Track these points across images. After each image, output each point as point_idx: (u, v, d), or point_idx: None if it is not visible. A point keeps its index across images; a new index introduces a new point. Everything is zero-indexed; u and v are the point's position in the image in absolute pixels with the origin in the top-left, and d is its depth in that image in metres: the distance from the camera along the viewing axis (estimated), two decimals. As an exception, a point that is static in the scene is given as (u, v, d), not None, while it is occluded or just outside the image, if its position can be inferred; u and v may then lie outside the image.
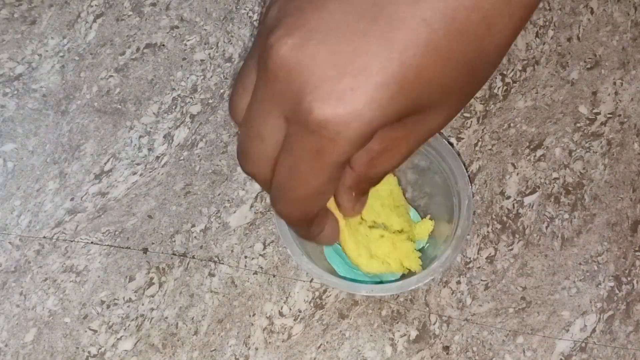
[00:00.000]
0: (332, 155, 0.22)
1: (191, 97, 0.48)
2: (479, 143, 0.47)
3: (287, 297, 0.43)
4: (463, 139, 0.47)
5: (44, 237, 0.44)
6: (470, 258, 0.44)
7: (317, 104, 0.21)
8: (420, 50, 0.21)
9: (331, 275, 0.38)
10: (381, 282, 0.41)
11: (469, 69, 0.22)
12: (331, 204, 0.33)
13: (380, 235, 0.40)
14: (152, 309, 0.42)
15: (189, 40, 0.49)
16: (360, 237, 0.40)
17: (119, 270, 0.43)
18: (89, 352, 0.41)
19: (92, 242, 0.44)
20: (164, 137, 0.47)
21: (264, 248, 0.44)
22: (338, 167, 0.23)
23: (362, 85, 0.21)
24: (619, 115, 0.48)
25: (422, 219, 0.43)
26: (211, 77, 0.48)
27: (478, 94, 0.48)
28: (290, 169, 0.24)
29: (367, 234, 0.40)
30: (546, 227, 0.45)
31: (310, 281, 0.43)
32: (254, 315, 0.42)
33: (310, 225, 0.28)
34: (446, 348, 0.41)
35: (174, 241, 0.44)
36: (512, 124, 0.47)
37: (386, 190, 0.41)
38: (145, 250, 0.44)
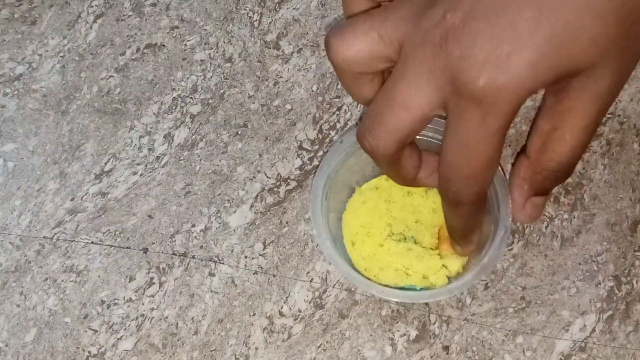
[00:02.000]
0: (497, 119, 0.23)
1: (191, 97, 0.48)
2: (479, 143, 0.47)
3: (287, 297, 0.43)
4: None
5: (44, 237, 0.44)
6: (470, 258, 0.44)
7: (479, 73, 0.22)
8: (569, 8, 0.22)
9: (385, 288, 0.38)
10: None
11: (622, 24, 0.22)
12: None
13: (407, 249, 0.40)
14: (152, 309, 0.42)
15: (189, 40, 0.50)
16: (370, 252, 0.40)
17: (119, 270, 0.43)
18: (89, 352, 0.41)
19: (92, 242, 0.44)
20: (164, 137, 0.47)
21: (264, 248, 0.44)
22: (504, 133, 0.24)
23: (516, 50, 0.22)
24: (619, 116, 0.48)
25: None
26: (211, 77, 0.48)
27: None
28: (460, 143, 0.24)
29: (390, 248, 0.40)
30: (546, 227, 0.45)
31: (310, 281, 0.43)
32: (254, 315, 0.42)
33: (483, 207, 0.28)
34: (446, 348, 0.41)
35: (174, 241, 0.44)
36: (512, 124, 0.47)
37: (427, 207, 0.41)
38: (145, 250, 0.44)
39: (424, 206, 0.41)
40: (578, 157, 0.27)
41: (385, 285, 0.39)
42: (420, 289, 0.40)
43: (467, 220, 0.29)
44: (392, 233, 0.40)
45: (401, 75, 0.25)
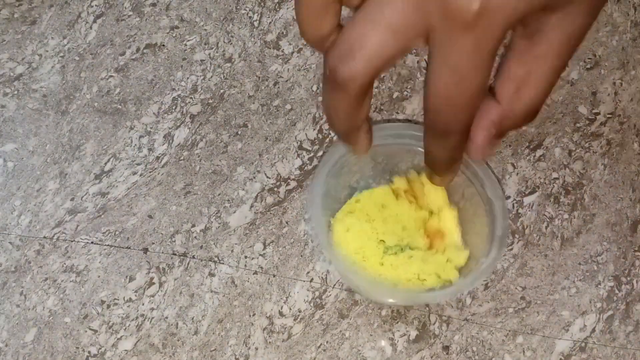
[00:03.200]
0: (490, 43, 0.23)
1: (191, 97, 0.48)
2: (479, 143, 0.47)
3: (287, 297, 0.43)
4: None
5: (44, 237, 0.44)
6: (470, 258, 0.44)
7: None
8: None
9: (393, 289, 0.38)
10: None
11: None
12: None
13: (409, 257, 0.40)
14: (152, 309, 0.42)
15: (189, 40, 0.50)
16: (376, 274, 0.40)
17: (119, 270, 0.43)
18: (89, 352, 0.41)
19: (92, 242, 0.44)
20: (164, 137, 0.47)
21: (264, 248, 0.44)
22: (494, 56, 0.24)
23: None
24: (619, 116, 0.48)
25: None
26: (211, 77, 0.48)
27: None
28: (451, 72, 0.24)
29: (392, 263, 0.40)
30: (546, 227, 0.45)
31: (310, 281, 0.43)
32: (254, 315, 0.42)
33: (468, 135, 0.28)
34: (446, 348, 0.41)
35: (174, 241, 0.44)
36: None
37: (406, 212, 0.41)
38: (145, 250, 0.44)
39: (403, 212, 0.41)
40: (546, 99, 0.27)
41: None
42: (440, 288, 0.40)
43: (454, 150, 0.28)
44: (387, 248, 0.40)
45: None
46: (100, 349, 0.42)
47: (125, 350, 0.42)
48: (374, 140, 0.33)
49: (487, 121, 0.28)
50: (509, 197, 0.45)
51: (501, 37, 0.23)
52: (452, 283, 0.39)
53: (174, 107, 0.48)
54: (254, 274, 0.43)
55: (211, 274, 0.43)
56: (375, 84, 0.47)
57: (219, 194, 0.45)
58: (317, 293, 0.43)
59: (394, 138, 0.40)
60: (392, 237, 0.40)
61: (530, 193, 0.46)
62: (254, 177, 0.45)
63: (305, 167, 0.46)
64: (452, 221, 0.41)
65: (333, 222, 0.41)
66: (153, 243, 0.44)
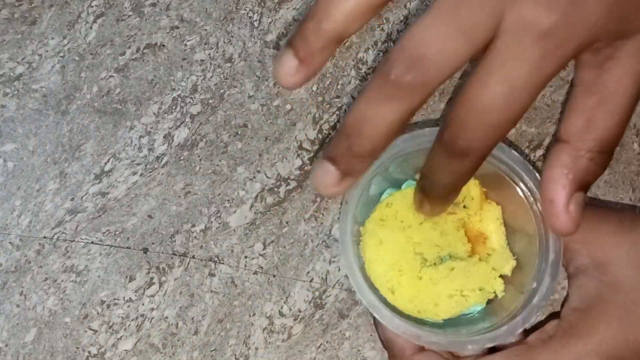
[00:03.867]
0: (556, 62, 0.21)
1: (191, 97, 0.48)
2: (479, 143, 0.47)
3: (287, 297, 0.43)
4: (463, 139, 0.47)
5: (44, 237, 0.44)
6: (470, 258, 0.44)
7: (552, 6, 0.20)
8: None
9: (431, 330, 0.34)
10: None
11: None
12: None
13: (450, 269, 0.35)
14: (152, 309, 0.42)
15: (189, 40, 0.50)
16: (414, 291, 0.35)
17: (119, 270, 0.43)
18: (89, 352, 0.41)
19: (92, 242, 0.44)
20: (164, 137, 0.47)
21: (264, 248, 0.44)
22: (547, 82, 0.22)
23: None
24: (619, 116, 0.48)
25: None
26: (211, 77, 0.48)
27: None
28: (504, 85, 0.21)
29: (432, 276, 0.35)
30: (546, 227, 0.45)
31: (310, 281, 0.43)
32: (254, 315, 0.42)
33: (478, 165, 0.25)
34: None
35: (174, 241, 0.44)
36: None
37: (442, 215, 0.36)
38: (145, 250, 0.44)
39: (440, 217, 0.36)
40: (623, 131, 0.25)
41: (448, 320, 0.35)
42: (484, 306, 0.36)
43: (462, 176, 0.25)
44: (424, 260, 0.36)
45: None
46: (100, 349, 0.42)
47: (125, 350, 0.42)
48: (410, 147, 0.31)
49: (559, 169, 0.25)
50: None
51: (569, 58, 0.21)
52: (497, 295, 0.35)
53: (174, 107, 0.48)
54: (254, 274, 0.43)
55: (211, 274, 0.43)
56: (375, 84, 0.47)
57: (219, 194, 0.45)
58: (317, 293, 0.43)
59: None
60: (430, 247, 0.36)
61: (530, 193, 0.46)
62: (254, 177, 0.45)
63: (305, 167, 0.46)
64: (495, 220, 0.36)
65: (363, 233, 0.37)
66: (153, 243, 0.44)
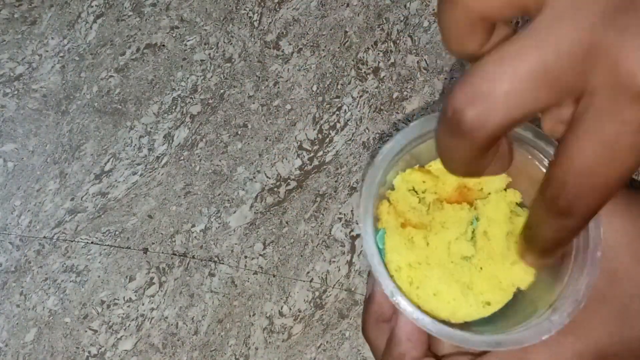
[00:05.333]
0: None
1: (191, 97, 0.48)
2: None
3: (287, 297, 0.43)
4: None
5: (44, 237, 0.44)
6: (470, 258, 0.44)
7: None
8: None
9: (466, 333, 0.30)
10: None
11: None
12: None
13: (479, 269, 0.33)
14: (152, 309, 0.42)
15: (189, 40, 0.50)
16: (451, 274, 0.32)
17: (119, 270, 0.43)
18: (89, 352, 0.41)
19: (92, 242, 0.44)
20: (164, 137, 0.47)
21: (264, 248, 0.44)
22: None
23: None
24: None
25: None
26: (211, 77, 0.48)
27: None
28: (603, 147, 0.20)
29: (462, 268, 0.32)
30: (546, 227, 0.45)
31: (310, 281, 0.43)
32: (254, 315, 0.42)
33: (584, 225, 0.24)
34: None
35: (174, 241, 0.44)
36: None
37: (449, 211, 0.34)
38: (145, 250, 0.44)
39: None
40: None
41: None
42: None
43: (567, 234, 0.24)
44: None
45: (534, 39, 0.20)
46: (100, 349, 0.42)
47: (125, 350, 0.42)
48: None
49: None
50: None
51: None
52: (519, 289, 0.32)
53: (174, 107, 0.48)
54: (254, 274, 0.43)
55: (211, 274, 0.43)
56: (375, 84, 0.47)
57: (219, 194, 0.45)
58: (317, 293, 0.43)
59: None
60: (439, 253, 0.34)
61: (530, 193, 0.46)
62: (254, 177, 0.45)
63: (305, 167, 0.46)
64: (498, 190, 0.34)
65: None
66: (153, 243, 0.44)
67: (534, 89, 0.20)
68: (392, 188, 0.36)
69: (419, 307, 0.33)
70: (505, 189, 0.34)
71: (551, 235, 0.24)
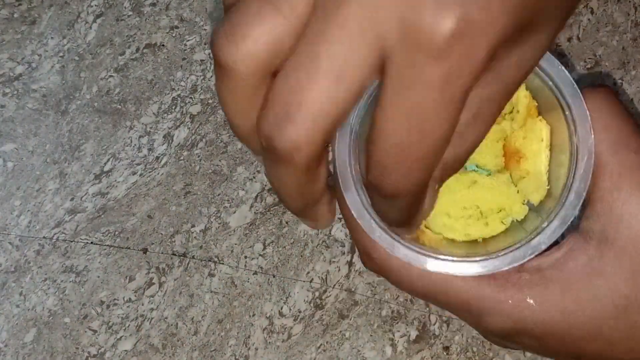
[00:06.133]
0: (466, 78, 0.17)
1: (191, 97, 0.48)
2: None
3: (287, 297, 0.43)
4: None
5: (44, 237, 0.44)
6: (470, 258, 0.44)
7: (446, 8, 0.16)
8: None
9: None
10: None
11: None
12: None
13: (472, 181, 0.31)
14: (152, 309, 0.42)
15: (188, 40, 0.49)
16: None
17: (119, 270, 0.43)
18: (88, 352, 0.41)
19: (92, 242, 0.44)
20: (164, 137, 0.47)
21: (264, 248, 0.44)
22: (467, 96, 0.18)
23: None
24: (619, 115, 0.48)
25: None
26: (211, 77, 0.48)
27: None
28: (409, 116, 0.18)
29: (450, 185, 0.30)
30: (546, 227, 0.45)
31: (310, 281, 0.43)
32: (253, 315, 0.42)
33: (421, 197, 0.22)
34: (446, 348, 0.41)
35: (174, 241, 0.44)
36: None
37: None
38: (145, 251, 0.44)
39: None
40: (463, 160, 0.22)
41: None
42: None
43: (407, 211, 0.22)
44: None
45: (321, 34, 0.18)
46: (100, 349, 0.42)
47: (125, 350, 0.41)
48: None
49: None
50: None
51: (483, 68, 0.18)
52: (519, 223, 0.30)
53: (173, 107, 0.48)
54: (253, 274, 0.43)
55: (211, 274, 0.43)
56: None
57: (218, 194, 0.45)
58: (317, 293, 0.43)
59: None
60: None
61: (531, 193, 0.46)
62: (254, 177, 0.45)
63: (305, 167, 0.46)
64: (540, 142, 0.32)
65: None
66: (153, 243, 0.44)
67: (336, 87, 0.18)
68: None
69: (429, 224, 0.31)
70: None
71: (395, 216, 0.23)
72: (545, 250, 0.29)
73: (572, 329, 0.26)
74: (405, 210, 0.22)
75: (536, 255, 0.29)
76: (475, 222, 0.31)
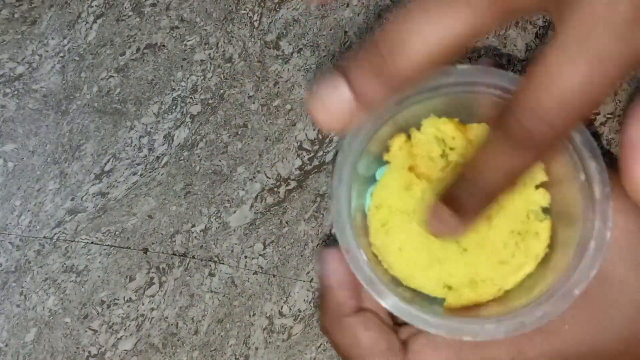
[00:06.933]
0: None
1: (191, 98, 0.48)
2: (479, 143, 0.47)
3: (287, 297, 0.43)
4: (463, 139, 0.47)
5: (45, 237, 0.44)
6: (470, 258, 0.44)
7: None
8: None
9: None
10: None
11: None
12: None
13: (462, 249, 0.30)
14: (152, 309, 0.42)
15: (189, 40, 0.50)
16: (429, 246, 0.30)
17: (119, 270, 0.43)
18: (89, 352, 0.41)
19: (92, 242, 0.44)
20: (164, 137, 0.47)
21: (264, 248, 0.44)
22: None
23: None
24: (619, 116, 0.48)
25: None
26: (211, 77, 0.48)
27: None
28: (596, 53, 0.17)
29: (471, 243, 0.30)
30: (546, 227, 0.45)
31: (310, 281, 0.43)
32: (254, 315, 0.42)
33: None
34: (446, 348, 0.41)
35: (174, 241, 0.44)
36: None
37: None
38: (145, 250, 0.44)
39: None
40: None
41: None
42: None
43: (515, 174, 0.20)
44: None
45: None
46: (100, 349, 0.42)
47: (125, 350, 0.42)
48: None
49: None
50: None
51: None
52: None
53: (174, 107, 0.48)
54: (254, 274, 0.43)
55: (211, 274, 0.43)
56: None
57: (219, 194, 0.45)
58: (317, 293, 0.43)
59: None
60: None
61: (530, 193, 0.46)
62: (254, 177, 0.45)
63: (305, 167, 0.46)
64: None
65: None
66: (153, 243, 0.44)
67: (469, 16, 0.18)
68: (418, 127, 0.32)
69: (375, 256, 0.31)
70: (536, 187, 0.31)
71: (497, 178, 0.21)
72: None
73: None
74: (512, 173, 0.20)
75: None
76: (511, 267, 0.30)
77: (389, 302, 0.28)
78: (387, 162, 0.33)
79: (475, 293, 0.30)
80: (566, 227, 0.30)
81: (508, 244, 0.30)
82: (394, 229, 0.32)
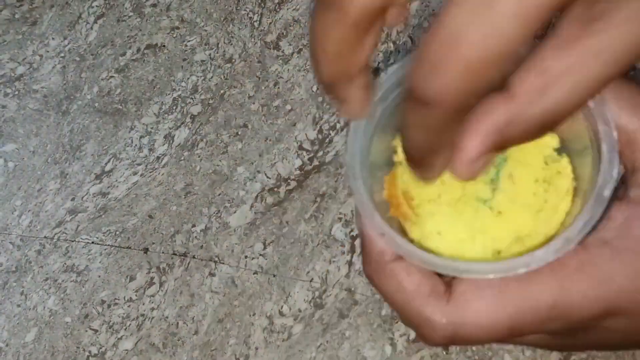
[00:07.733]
0: None
1: (192, 98, 0.48)
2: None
3: (287, 297, 0.43)
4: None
5: (45, 237, 0.44)
6: (469, 258, 0.44)
7: None
8: None
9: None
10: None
11: None
12: None
13: (497, 212, 0.30)
14: (153, 309, 0.43)
15: (189, 41, 0.50)
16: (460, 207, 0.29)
17: (120, 270, 0.43)
18: (89, 352, 0.42)
19: (92, 242, 0.44)
20: (165, 137, 0.47)
21: (264, 248, 0.44)
22: (544, 15, 0.17)
23: None
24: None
25: None
26: (211, 77, 0.49)
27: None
28: (480, 6, 0.16)
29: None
30: (545, 227, 0.45)
31: (310, 281, 0.43)
32: (254, 315, 0.42)
33: (457, 124, 0.19)
34: (446, 347, 0.41)
35: (175, 241, 0.44)
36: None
37: None
38: (145, 250, 0.44)
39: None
40: (574, 110, 0.20)
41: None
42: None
43: (436, 132, 0.19)
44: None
45: None
46: (100, 348, 0.42)
47: (126, 350, 0.42)
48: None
49: (490, 122, 0.19)
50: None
51: None
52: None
53: (174, 108, 0.48)
54: (254, 274, 0.43)
55: (211, 274, 0.43)
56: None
57: (219, 194, 0.45)
58: (317, 293, 0.43)
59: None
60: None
61: (530, 193, 0.46)
62: (254, 177, 0.46)
63: (305, 167, 0.46)
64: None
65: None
66: (153, 243, 0.44)
67: None
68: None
69: (420, 246, 0.30)
70: None
71: (420, 137, 0.20)
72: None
73: None
74: (436, 133, 0.19)
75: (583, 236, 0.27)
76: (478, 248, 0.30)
77: (440, 266, 0.28)
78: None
79: (526, 248, 0.30)
80: (581, 156, 0.30)
81: (537, 193, 0.30)
82: (426, 218, 0.31)
